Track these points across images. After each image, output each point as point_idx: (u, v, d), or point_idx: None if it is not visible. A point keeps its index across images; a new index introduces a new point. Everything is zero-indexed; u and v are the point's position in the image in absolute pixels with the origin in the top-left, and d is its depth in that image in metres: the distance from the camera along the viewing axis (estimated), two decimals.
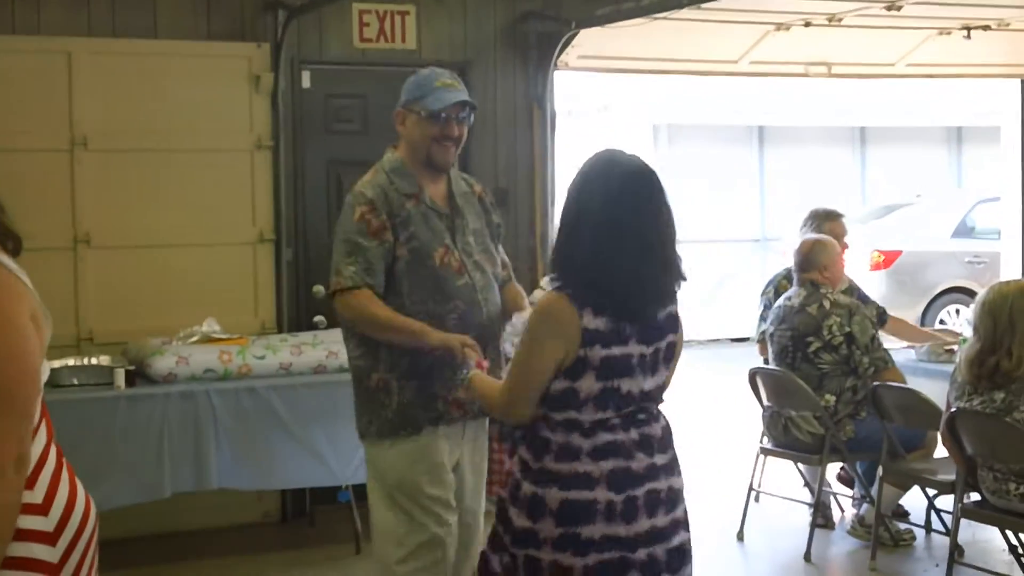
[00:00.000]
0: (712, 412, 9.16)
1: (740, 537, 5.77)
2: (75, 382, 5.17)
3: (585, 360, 2.80)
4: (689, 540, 3.02)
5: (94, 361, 5.34)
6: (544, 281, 3.20)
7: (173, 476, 5.08)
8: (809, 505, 5.76)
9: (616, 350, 2.81)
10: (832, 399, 5.44)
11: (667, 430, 2.98)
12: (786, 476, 6.20)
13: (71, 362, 5.30)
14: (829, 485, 5.94)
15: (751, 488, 5.88)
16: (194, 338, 5.46)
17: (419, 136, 3.58)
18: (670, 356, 2.94)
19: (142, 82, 5.90)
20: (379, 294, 3.48)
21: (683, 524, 3.01)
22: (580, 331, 2.79)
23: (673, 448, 2.99)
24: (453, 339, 3.41)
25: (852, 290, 5.89)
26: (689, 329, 11.91)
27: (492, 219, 3.79)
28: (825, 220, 6.05)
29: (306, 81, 6.28)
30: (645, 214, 2.86)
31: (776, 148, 14.68)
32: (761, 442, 5.85)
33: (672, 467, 2.97)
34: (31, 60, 5.71)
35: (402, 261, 3.52)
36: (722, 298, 13.79)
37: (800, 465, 5.95)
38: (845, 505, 6.08)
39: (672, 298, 2.93)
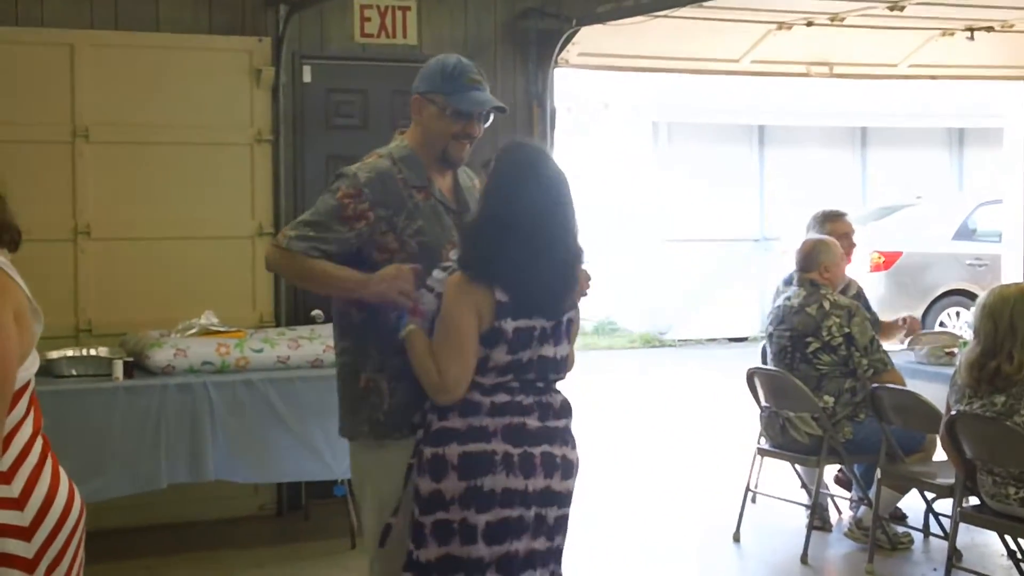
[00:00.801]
0: (709, 412, 9.16)
1: (736, 538, 5.76)
2: (74, 373, 5.17)
3: (500, 331, 3.02)
4: (568, 517, 3.18)
5: (93, 352, 5.33)
6: (439, 272, 3.19)
7: (169, 468, 5.08)
8: (806, 507, 5.74)
9: (523, 323, 3.04)
10: (831, 400, 5.43)
11: (565, 404, 3.18)
12: (783, 477, 6.20)
13: (70, 353, 5.29)
14: (826, 487, 5.93)
15: (748, 489, 5.86)
16: (192, 330, 5.46)
17: (437, 131, 3.37)
18: (569, 330, 3.16)
19: (144, 75, 5.89)
20: None
21: (571, 498, 3.17)
22: (493, 303, 3.01)
23: (569, 420, 3.18)
24: (392, 284, 3.16)
25: (859, 296, 5.89)
26: (687, 329, 12.01)
27: None
28: (828, 221, 6.01)
29: (307, 75, 6.27)
30: (557, 215, 3.09)
31: (776, 148, 14.67)
32: (758, 443, 5.84)
33: (566, 437, 3.15)
34: (34, 52, 5.71)
35: (404, 254, 3.30)
36: (720, 298, 13.79)
37: (797, 466, 5.94)
38: (843, 507, 6.07)
39: (574, 284, 3.13)
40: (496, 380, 3.05)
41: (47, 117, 5.72)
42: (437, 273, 3.18)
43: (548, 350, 3.09)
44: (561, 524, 3.12)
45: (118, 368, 5.12)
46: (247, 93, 6.07)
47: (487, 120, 3.43)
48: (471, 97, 3.35)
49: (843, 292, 5.78)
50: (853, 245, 6.04)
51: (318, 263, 3.28)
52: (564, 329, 3.14)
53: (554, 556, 3.13)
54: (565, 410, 3.16)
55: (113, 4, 5.85)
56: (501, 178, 3.09)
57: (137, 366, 5.23)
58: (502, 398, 3.05)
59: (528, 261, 3.03)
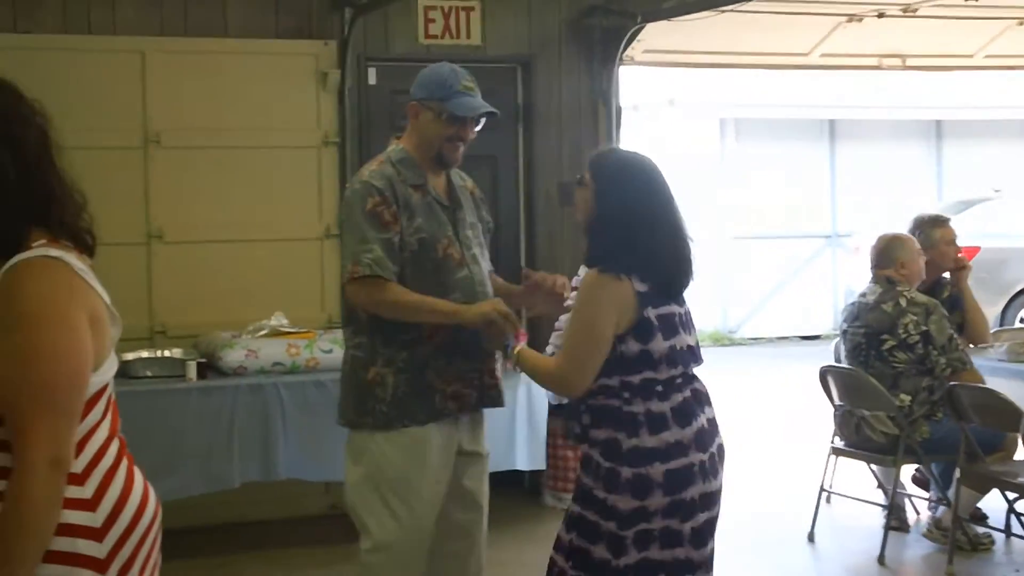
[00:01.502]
0: (782, 411, 9.05)
1: (811, 538, 5.68)
2: (148, 374, 5.25)
3: (648, 321, 3.08)
4: None
5: (167, 354, 5.42)
6: (581, 272, 3.28)
7: (242, 467, 5.14)
8: (883, 507, 5.65)
9: (664, 309, 3.12)
10: (907, 399, 5.33)
11: (706, 388, 3.26)
12: (859, 477, 6.09)
13: (144, 354, 5.38)
14: (903, 487, 5.82)
15: (822, 489, 5.78)
16: (263, 331, 5.51)
17: (434, 134, 3.60)
18: (692, 318, 3.24)
19: (213, 80, 5.97)
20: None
21: None
22: (634, 294, 3.07)
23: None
24: (489, 311, 3.45)
25: (954, 298, 5.81)
26: (758, 327, 11.90)
27: (483, 215, 3.82)
28: (937, 226, 5.88)
29: (372, 78, 6.30)
30: (669, 204, 3.20)
31: (848, 143, 14.46)
32: (832, 442, 5.75)
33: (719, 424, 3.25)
34: (106, 59, 5.80)
35: (407, 252, 3.53)
36: (791, 296, 13.63)
37: (873, 466, 5.84)
38: (920, 507, 5.96)
39: (691, 268, 3.21)
40: (669, 373, 3.10)
41: (119, 123, 5.81)
42: (581, 274, 3.28)
43: (690, 338, 3.19)
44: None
45: (191, 369, 5.20)
46: (313, 96, 6.12)
47: (479, 124, 3.64)
48: (465, 103, 3.57)
49: (934, 292, 5.69)
50: (959, 250, 5.94)
51: (410, 294, 3.47)
52: (690, 316, 3.23)
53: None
54: (708, 394, 3.25)
55: (183, 11, 5.94)
56: (610, 177, 3.21)
57: (210, 367, 5.29)
58: (676, 399, 3.11)
59: (654, 249, 3.12)
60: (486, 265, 3.76)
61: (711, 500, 3.14)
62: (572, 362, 3.11)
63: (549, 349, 3.29)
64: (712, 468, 3.13)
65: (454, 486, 3.68)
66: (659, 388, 3.09)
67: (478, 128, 3.66)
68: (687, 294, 3.25)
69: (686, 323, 3.18)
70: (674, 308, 3.15)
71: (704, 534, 3.14)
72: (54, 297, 2.05)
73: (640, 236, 3.11)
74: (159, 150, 5.87)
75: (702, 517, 3.12)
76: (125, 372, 5.15)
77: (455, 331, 3.51)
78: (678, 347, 3.13)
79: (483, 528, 3.78)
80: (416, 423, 3.54)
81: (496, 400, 3.69)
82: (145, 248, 5.86)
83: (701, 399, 3.18)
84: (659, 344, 3.09)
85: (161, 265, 5.88)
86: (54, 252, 2.08)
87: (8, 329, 2.02)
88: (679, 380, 3.13)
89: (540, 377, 3.30)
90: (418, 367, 3.52)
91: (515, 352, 3.33)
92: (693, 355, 3.19)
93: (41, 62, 5.54)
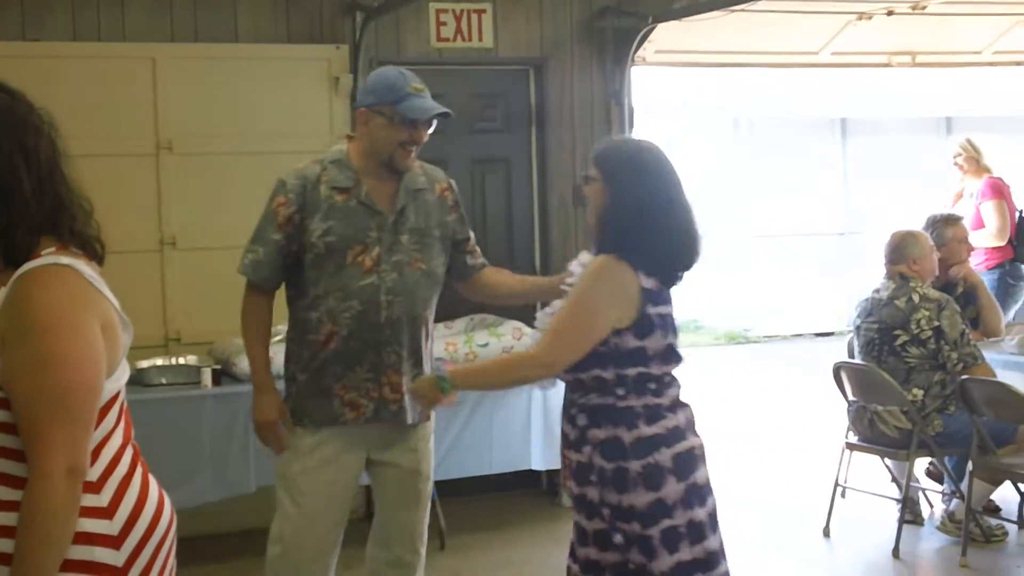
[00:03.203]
0: (796, 407, 9.04)
1: (826, 533, 5.69)
2: (163, 381, 5.28)
3: (650, 318, 3.03)
4: None
5: (181, 361, 5.44)
6: (581, 257, 3.23)
7: (258, 471, 5.15)
8: (897, 501, 5.65)
9: (663, 309, 3.07)
10: (920, 393, 5.34)
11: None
12: (873, 471, 6.10)
13: (159, 362, 5.40)
14: (917, 480, 5.83)
15: (837, 484, 5.79)
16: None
17: (385, 139, 3.51)
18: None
19: (224, 85, 5.99)
20: (267, 288, 3.61)
21: None
22: (639, 290, 3.01)
23: None
24: (259, 420, 3.61)
25: (968, 293, 5.92)
26: (772, 324, 11.87)
27: (447, 218, 3.68)
28: (949, 225, 6.04)
29: None
30: (679, 188, 3.11)
31: (859, 140, 14.44)
32: (846, 437, 5.77)
33: None
34: (117, 65, 5.83)
35: (312, 254, 3.52)
36: (805, 292, 13.61)
37: (887, 460, 5.85)
38: (934, 501, 5.97)
39: (700, 252, 3.13)
40: (662, 370, 3.06)
41: (131, 130, 5.84)
42: (582, 259, 3.20)
43: (676, 339, 3.13)
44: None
45: (206, 376, 5.23)
46: (326, 100, 6.14)
47: (431, 127, 3.57)
48: (416, 105, 3.49)
49: (947, 289, 5.77)
50: (971, 248, 6.15)
51: (256, 322, 3.64)
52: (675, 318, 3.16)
53: None
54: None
55: (193, 17, 5.97)
56: (618, 168, 3.10)
57: (224, 373, 5.32)
58: (671, 395, 3.08)
59: (664, 244, 3.05)
60: (432, 269, 3.61)
61: (711, 486, 3.12)
62: (561, 341, 3.01)
63: (537, 324, 3.22)
64: (704, 456, 3.11)
65: (380, 494, 3.77)
66: (652, 385, 3.05)
67: (430, 131, 3.58)
68: (676, 294, 3.17)
69: (675, 325, 3.14)
70: (670, 309, 3.11)
71: (716, 517, 3.11)
72: (66, 305, 2.05)
73: (653, 223, 3.03)
74: (171, 156, 5.89)
75: (710, 501, 3.08)
76: (140, 380, 5.18)
77: (348, 339, 3.50)
78: (673, 346, 3.10)
79: (406, 542, 3.80)
80: (312, 424, 3.57)
81: (397, 416, 3.58)
82: (158, 255, 5.89)
83: (680, 401, 3.15)
84: (656, 342, 3.04)
85: (174, 272, 5.91)
86: (64, 259, 2.09)
87: (21, 338, 2.02)
88: (668, 379, 3.10)
89: (514, 369, 3.22)
90: (319, 369, 3.56)
91: (450, 377, 3.15)
92: (678, 357, 3.13)
93: (51, 70, 5.57)
